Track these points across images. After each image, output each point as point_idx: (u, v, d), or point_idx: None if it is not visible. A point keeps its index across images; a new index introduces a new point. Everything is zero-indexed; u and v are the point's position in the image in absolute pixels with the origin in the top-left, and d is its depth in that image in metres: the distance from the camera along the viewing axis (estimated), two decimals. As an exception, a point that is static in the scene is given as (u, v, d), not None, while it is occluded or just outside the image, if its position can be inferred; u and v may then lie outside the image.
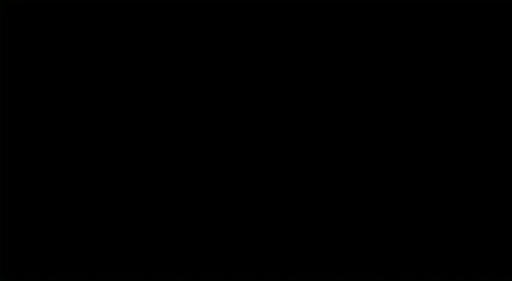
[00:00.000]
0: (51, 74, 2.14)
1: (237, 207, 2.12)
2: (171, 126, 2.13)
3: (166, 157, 2.13)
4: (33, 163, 2.12)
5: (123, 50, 2.14)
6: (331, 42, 2.14)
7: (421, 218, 2.10)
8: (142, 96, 2.14)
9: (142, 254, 2.10)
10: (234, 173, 2.12)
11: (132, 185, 2.12)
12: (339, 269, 2.10)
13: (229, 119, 2.13)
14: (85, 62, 2.14)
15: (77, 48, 2.14)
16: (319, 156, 2.12)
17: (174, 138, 2.13)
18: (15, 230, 2.11)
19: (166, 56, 2.14)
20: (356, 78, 2.13)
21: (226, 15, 2.14)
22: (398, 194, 2.11)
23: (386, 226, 2.10)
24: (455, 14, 2.12)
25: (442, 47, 2.12)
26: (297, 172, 2.12)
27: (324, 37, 2.14)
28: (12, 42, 2.13)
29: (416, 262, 2.09)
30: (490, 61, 2.11)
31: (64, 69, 2.14)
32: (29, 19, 2.14)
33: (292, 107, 2.13)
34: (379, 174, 2.11)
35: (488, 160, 2.10)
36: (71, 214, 2.11)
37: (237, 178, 2.12)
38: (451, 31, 2.12)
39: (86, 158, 2.12)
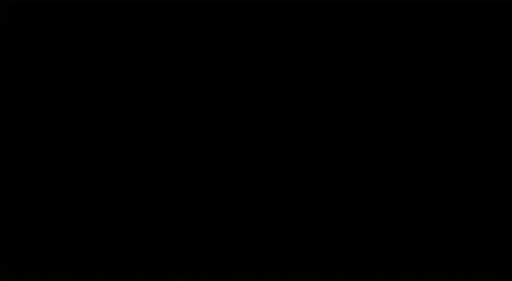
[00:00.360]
0: (51, 74, 2.14)
1: (237, 207, 2.12)
2: (171, 127, 2.13)
3: (166, 157, 2.13)
4: (33, 163, 2.12)
5: (123, 50, 2.14)
6: (331, 42, 2.14)
7: (421, 218, 2.10)
8: (142, 96, 2.14)
9: (143, 254, 2.11)
10: (234, 173, 2.12)
11: (132, 185, 2.12)
12: (339, 269, 2.10)
13: (229, 119, 2.13)
14: (85, 62, 2.14)
15: (77, 48, 2.14)
16: (319, 156, 2.13)
17: (174, 138, 2.13)
18: (15, 230, 2.11)
19: (167, 56, 2.15)
20: (356, 78, 2.13)
21: (226, 15, 2.14)
22: (399, 194, 2.11)
23: (386, 226, 2.10)
24: (456, 14, 2.12)
25: (442, 47, 2.12)
26: (297, 172, 2.12)
27: (324, 37, 2.14)
28: (12, 42, 2.14)
29: (416, 262, 2.09)
30: (490, 61, 2.11)
31: (64, 69, 2.14)
32: (29, 19, 2.14)
33: (292, 107, 2.13)
34: (379, 174, 2.11)
35: (488, 160, 2.10)
36: (71, 214, 2.11)
37: (237, 178, 2.12)
38: (451, 31, 2.12)
39: (86, 158, 2.12)
